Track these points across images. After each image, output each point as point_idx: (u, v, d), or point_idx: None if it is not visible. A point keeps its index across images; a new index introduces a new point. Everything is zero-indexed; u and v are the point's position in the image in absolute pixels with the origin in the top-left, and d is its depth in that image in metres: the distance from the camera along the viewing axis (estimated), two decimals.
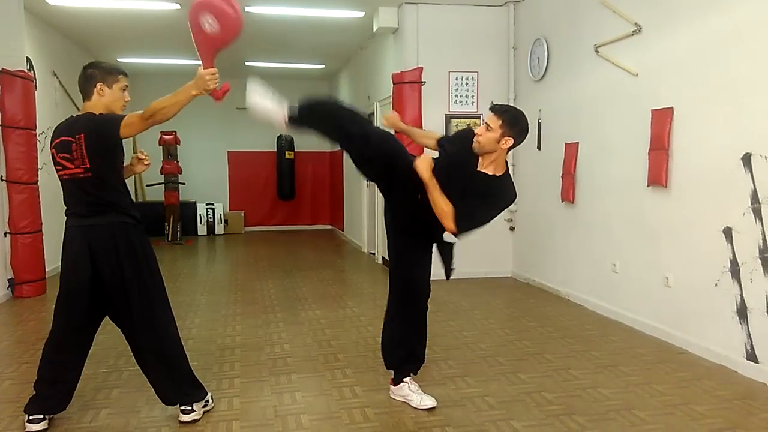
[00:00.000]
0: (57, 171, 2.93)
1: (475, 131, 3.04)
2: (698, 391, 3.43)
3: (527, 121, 3.07)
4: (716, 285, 3.90)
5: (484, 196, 3.00)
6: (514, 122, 3.00)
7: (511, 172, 3.20)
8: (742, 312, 3.72)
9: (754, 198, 3.61)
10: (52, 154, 2.94)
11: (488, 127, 2.99)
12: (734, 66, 3.76)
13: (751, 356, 3.66)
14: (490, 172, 3.05)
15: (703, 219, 4.00)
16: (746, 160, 3.65)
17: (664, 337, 4.36)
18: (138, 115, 2.81)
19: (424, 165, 2.95)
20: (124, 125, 2.81)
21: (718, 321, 3.88)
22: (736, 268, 3.75)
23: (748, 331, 3.68)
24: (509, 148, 3.04)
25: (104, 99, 2.94)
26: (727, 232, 3.81)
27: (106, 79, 2.94)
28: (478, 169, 3.05)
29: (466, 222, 2.97)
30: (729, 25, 3.79)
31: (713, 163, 3.92)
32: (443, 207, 2.93)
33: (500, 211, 3.10)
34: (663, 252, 4.41)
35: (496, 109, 3.04)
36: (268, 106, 3.05)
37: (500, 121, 2.97)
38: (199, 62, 2.82)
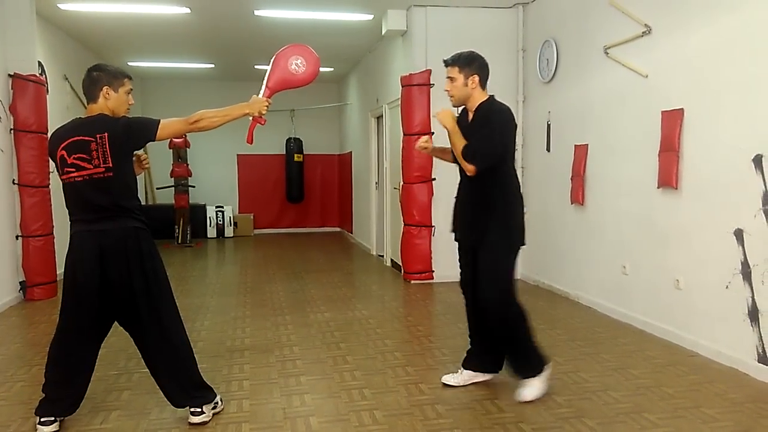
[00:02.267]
0: (66, 173, 2.88)
1: (444, 89, 3.38)
2: (709, 394, 3.41)
3: (481, 55, 3.34)
4: (727, 287, 3.87)
5: (482, 127, 3.26)
6: (468, 61, 3.30)
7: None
8: (754, 314, 3.69)
9: (766, 200, 3.58)
10: (62, 156, 2.87)
11: (451, 80, 3.31)
12: (745, 66, 3.74)
13: (763, 359, 3.63)
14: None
15: (714, 221, 3.97)
16: (757, 161, 3.63)
17: (675, 340, 4.33)
18: (181, 119, 2.94)
19: (447, 117, 3.29)
20: (163, 127, 2.90)
21: (730, 323, 3.86)
22: (747, 270, 3.73)
23: (760, 334, 3.65)
24: (482, 85, 3.32)
25: (110, 102, 2.95)
26: (738, 234, 3.78)
27: (113, 83, 2.96)
28: (470, 121, 3.36)
29: (471, 151, 3.23)
30: (739, 26, 3.77)
31: (724, 164, 3.90)
32: (459, 148, 3.25)
33: (506, 130, 3.30)
34: (673, 254, 4.39)
35: (447, 61, 3.34)
36: (540, 387, 3.34)
37: (457, 68, 3.29)
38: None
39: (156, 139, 2.92)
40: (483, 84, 3.33)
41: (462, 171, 3.39)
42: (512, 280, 3.37)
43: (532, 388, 3.32)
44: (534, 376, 3.34)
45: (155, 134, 2.90)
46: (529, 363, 3.37)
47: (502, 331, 3.35)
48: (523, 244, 3.41)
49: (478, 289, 3.33)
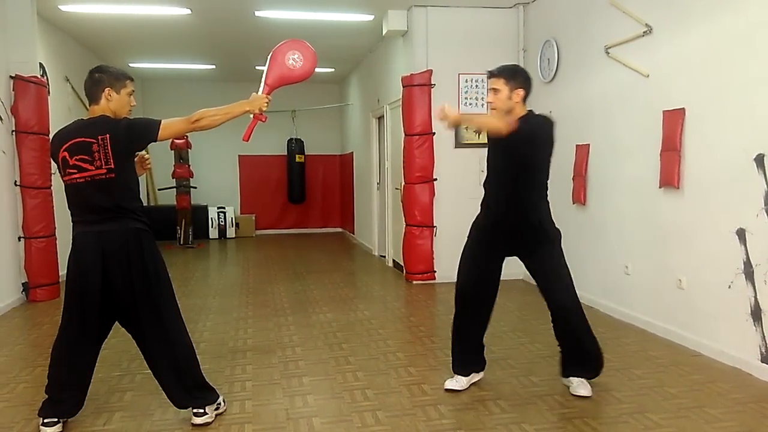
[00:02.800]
0: (68, 175, 2.89)
1: (486, 100, 3.35)
2: (712, 394, 3.41)
3: (524, 69, 3.39)
4: (730, 287, 3.87)
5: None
6: (514, 74, 3.27)
7: None
8: (756, 314, 3.69)
9: None
10: (63, 157, 2.88)
11: (495, 91, 3.25)
12: (746, 66, 3.73)
13: (766, 359, 3.62)
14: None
15: (716, 220, 3.97)
16: (759, 160, 3.62)
17: (677, 340, 4.33)
18: (182, 119, 2.94)
19: (454, 116, 3.05)
20: (164, 127, 2.91)
21: (732, 323, 3.85)
22: (749, 270, 3.72)
23: (763, 334, 3.64)
24: (524, 99, 3.29)
25: (112, 104, 2.96)
26: (741, 234, 3.78)
27: (114, 85, 2.96)
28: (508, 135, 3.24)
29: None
30: (741, 25, 3.77)
31: (726, 164, 3.89)
32: (490, 120, 3.22)
33: (541, 131, 3.26)
34: (676, 254, 4.38)
35: (493, 72, 3.29)
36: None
37: (502, 80, 3.24)
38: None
39: (158, 139, 2.93)
40: (525, 99, 3.31)
41: (490, 184, 3.39)
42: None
43: (588, 386, 3.41)
44: (598, 373, 3.45)
45: (157, 135, 2.91)
46: (596, 359, 3.44)
47: (585, 331, 3.38)
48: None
49: (550, 299, 3.37)
